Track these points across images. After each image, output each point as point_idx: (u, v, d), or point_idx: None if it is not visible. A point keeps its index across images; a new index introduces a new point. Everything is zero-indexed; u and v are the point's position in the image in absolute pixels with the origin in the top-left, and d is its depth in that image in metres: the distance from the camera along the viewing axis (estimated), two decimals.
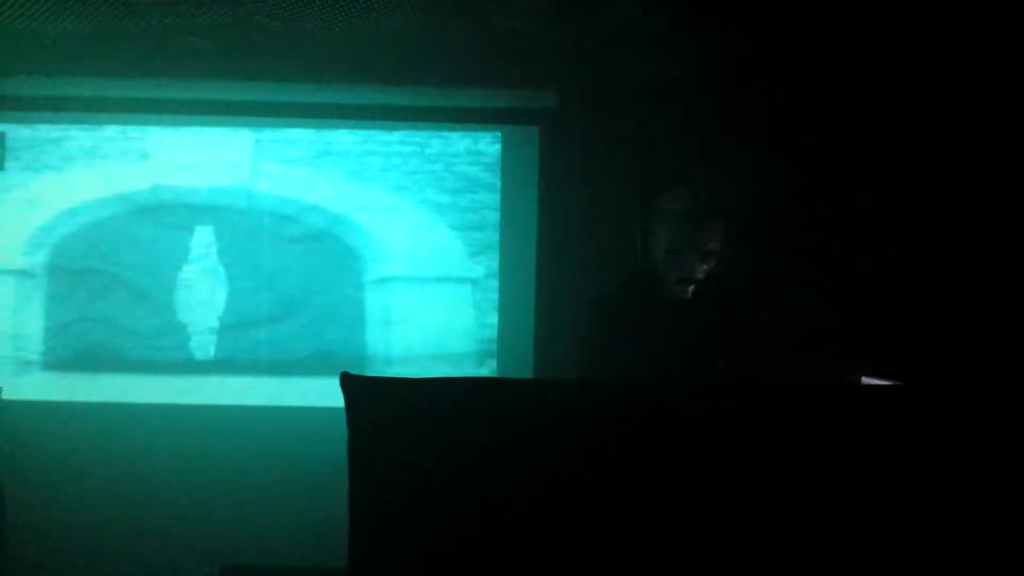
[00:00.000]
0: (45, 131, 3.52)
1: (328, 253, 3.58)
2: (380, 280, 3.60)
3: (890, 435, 1.49)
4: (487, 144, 3.58)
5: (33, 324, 3.52)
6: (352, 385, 1.49)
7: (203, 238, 3.59)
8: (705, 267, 2.23)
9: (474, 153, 3.58)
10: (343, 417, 1.49)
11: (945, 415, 1.49)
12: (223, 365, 3.58)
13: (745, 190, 2.29)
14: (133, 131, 3.53)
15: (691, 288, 2.24)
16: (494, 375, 3.54)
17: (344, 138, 3.58)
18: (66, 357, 3.53)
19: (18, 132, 3.51)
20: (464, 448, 1.46)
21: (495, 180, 3.58)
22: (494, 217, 3.59)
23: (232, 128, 3.55)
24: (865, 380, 2.36)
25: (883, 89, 2.94)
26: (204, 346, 3.59)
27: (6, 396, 3.32)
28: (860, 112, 3.05)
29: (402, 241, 3.61)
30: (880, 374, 2.34)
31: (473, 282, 3.62)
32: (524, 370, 3.42)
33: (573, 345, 2.41)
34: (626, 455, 1.48)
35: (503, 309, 3.59)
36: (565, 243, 3.42)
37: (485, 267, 3.61)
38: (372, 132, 3.57)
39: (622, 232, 3.06)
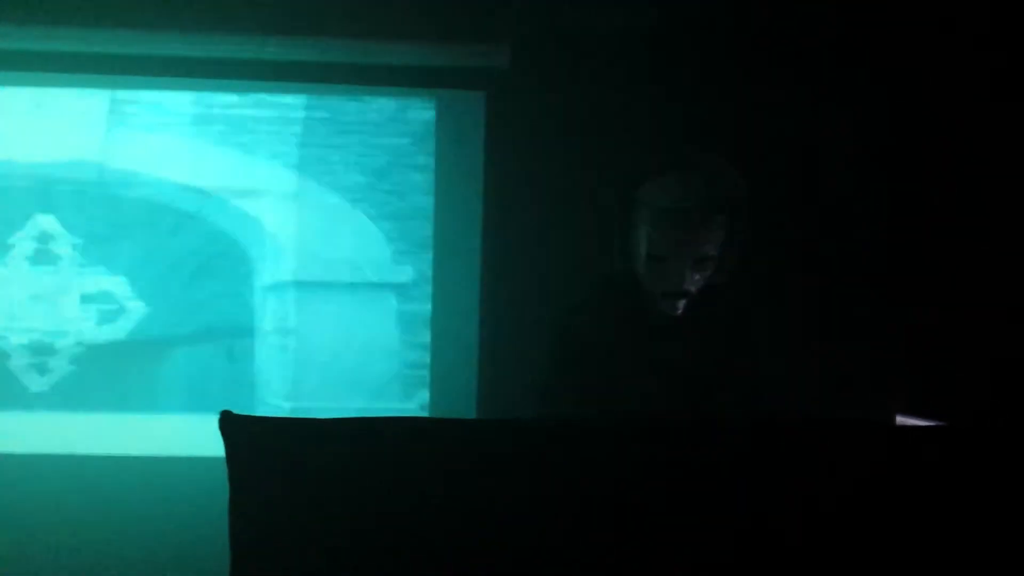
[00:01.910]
0: None
1: (206, 251, 3.57)
2: (273, 287, 3.60)
3: (928, 484, 1.58)
4: (418, 110, 3.59)
5: None
6: (234, 427, 1.54)
7: (38, 228, 3.55)
8: (698, 277, 2.27)
9: (401, 121, 3.60)
10: (223, 468, 1.53)
11: (992, 460, 1.57)
12: (60, 399, 3.55)
13: (751, 178, 2.32)
14: None
15: (681, 303, 2.27)
16: (426, 409, 3.55)
17: (229, 99, 3.57)
18: None
19: None
20: (374, 501, 1.52)
21: (428, 156, 3.59)
22: (427, 204, 3.60)
23: (81, 87, 3.53)
24: (900, 419, 2.43)
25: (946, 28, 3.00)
26: (27, 362, 3.55)
27: None
28: (914, 63, 3.09)
29: (305, 234, 3.63)
30: (917, 412, 2.41)
31: (399, 289, 3.63)
32: (465, 404, 3.43)
33: (529, 371, 2.43)
34: (594, 510, 1.54)
35: (438, 324, 3.60)
36: (518, 240, 3.44)
37: (415, 269, 3.63)
38: (263, 92, 3.57)
39: (591, 227, 3.09)
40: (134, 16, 3.24)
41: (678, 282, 2.24)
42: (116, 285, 3.57)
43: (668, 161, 2.30)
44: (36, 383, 3.56)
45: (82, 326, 3.57)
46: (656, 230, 2.24)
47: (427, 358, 3.61)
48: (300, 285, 3.63)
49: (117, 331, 3.58)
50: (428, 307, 3.61)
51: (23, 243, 3.55)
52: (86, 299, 3.57)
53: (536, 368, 2.39)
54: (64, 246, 3.55)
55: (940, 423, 1.94)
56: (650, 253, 2.25)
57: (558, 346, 2.34)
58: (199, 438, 3.38)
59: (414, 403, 3.59)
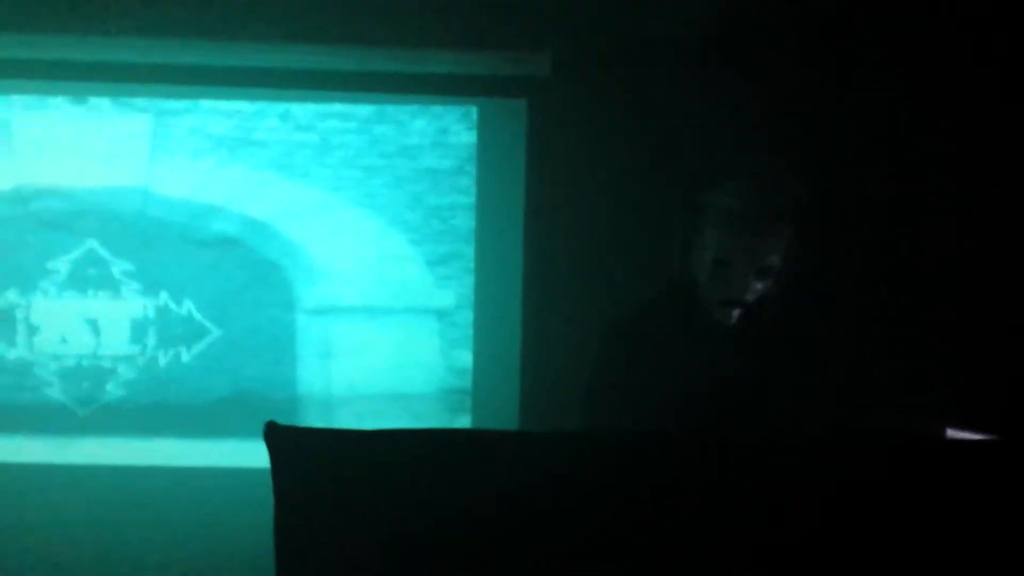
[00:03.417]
0: None
1: (248, 265, 3.62)
2: (314, 311, 3.63)
3: (981, 500, 1.58)
4: (458, 127, 3.62)
5: None
6: (279, 438, 1.57)
7: (83, 247, 3.61)
8: (759, 286, 2.28)
9: (440, 139, 3.63)
10: (268, 481, 1.57)
11: None
12: (106, 415, 3.60)
13: (816, 189, 2.33)
14: None
15: (736, 312, 2.28)
16: None
17: (269, 123, 3.62)
18: None
19: None
20: (423, 518, 1.54)
21: (468, 174, 3.62)
22: (468, 226, 3.64)
23: (125, 109, 3.58)
24: (951, 433, 2.42)
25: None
26: (81, 386, 3.61)
27: None
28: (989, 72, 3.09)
29: (346, 259, 3.66)
30: (970, 425, 2.40)
31: (440, 314, 3.66)
32: (507, 427, 3.42)
33: (575, 386, 2.44)
34: (645, 526, 1.56)
35: (479, 349, 3.62)
36: (562, 260, 3.46)
37: (456, 293, 3.66)
38: (303, 116, 3.62)
39: (635, 243, 3.09)
40: (171, 25, 3.32)
41: (740, 290, 2.26)
42: (160, 310, 3.61)
43: (738, 165, 2.30)
44: (83, 408, 3.62)
45: (126, 351, 3.62)
46: (724, 234, 2.25)
47: (468, 383, 3.64)
48: (341, 310, 3.65)
49: (160, 356, 3.62)
50: (470, 331, 3.63)
51: (68, 268, 3.60)
52: (130, 324, 3.62)
53: (585, 378, 2.40)
54: (109, 271, 3.60)
55: (993, 437, 1.93)
56: (716, 258, 2.27)
57: (608, 353, 2.35)
58: (243, 459, 3.45)
59: (456, 427, 3.59)
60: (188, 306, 3.61)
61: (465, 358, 3.64)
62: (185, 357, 3.61)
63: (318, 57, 3.44)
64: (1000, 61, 3.09)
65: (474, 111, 3.61)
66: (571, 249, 3.42)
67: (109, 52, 3.41)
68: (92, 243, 3.60)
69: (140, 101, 3.58)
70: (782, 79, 3.25)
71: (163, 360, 3.61)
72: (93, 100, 3.58)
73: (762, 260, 2.25)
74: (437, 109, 3.60)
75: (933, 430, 2.46)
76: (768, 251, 2.24)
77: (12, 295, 3.59)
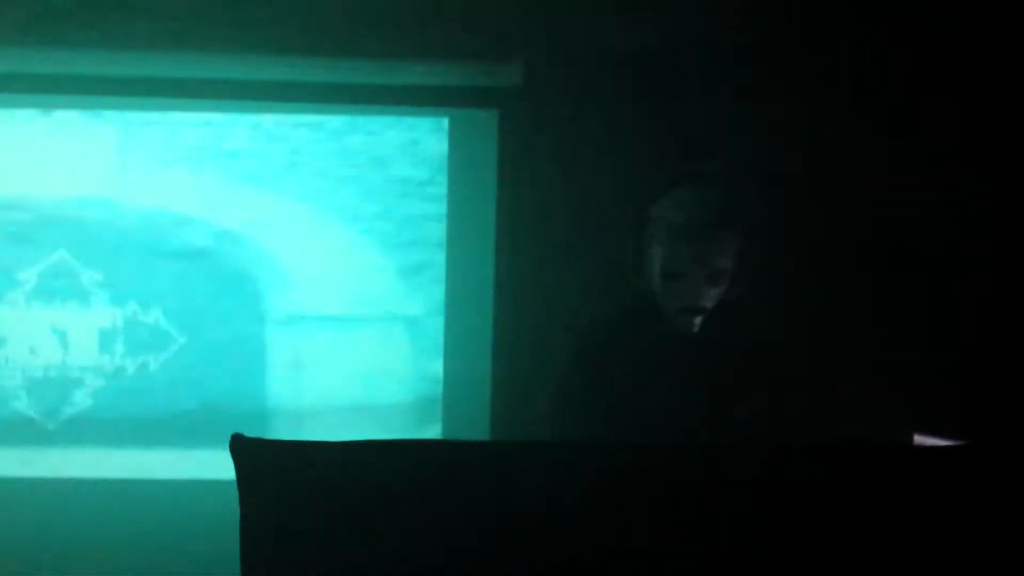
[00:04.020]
0: None
1: (216, 276, 3.61)
2: (284, 320, 3.63)
3: (949, 507, 1.59)
4: (429, 137, 3.63)
5: None
6: (245, 451, 1.57)
7: (51, 263, 3.60)
8: (714, 292, 2.29)
9: (411, 149, 3.64)
10: (234, 493, 1.55)
11: (1016, 482, 1.56)
12: (73, 426, 3.58)
13: (767, 191, 2.34)
14: None
15: (698, 320, 2.29)
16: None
17: (237, 131, 3.62)
18: None
19: None
20: (391, 529, 1.54)
21: (440, 184, 3.63)
22: (438, 232, 3.64)
23: (92, 119, 3.58)
24: (918, 439, 2.43)
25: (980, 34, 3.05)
26: (48, 397, 3.59)
27: None
28: (944, 79, 3.13)
29: (316, 267, 3.66)
30: (937, 431, 2.42)
31: (410, 321, 3.66)
32: (478, 436, 3.43)
33: (545, 398, 2.45)
34: (613, 536, 1.54)
35: (450, 357, 3.62)
36: (533, 269, 3.47)
37: (426, 300, 3.65)
38: (274, 126, 3.62)
39: (611, 251, 3.11)
40: (140, 38, 3.31)
41: (694, 298, 2.27)
42: (128, 320, 3.61)
43: (679, 175, 2.32)
44: (50, 420, 3.59)
45: (94, 360, 3.60)
46: (669, 247, 2.26)
47: (439, 391, 3.64)
48: (311, 320, 3.65)
49: (128, 365, 3.61)
50: (441, 340, 3.63)
51: (36, 279, 3.58)
52: (98, 334, 3.60)
53: (553, 389, 2.40)
54: (77, 281, 3.59)
55: (959, 443, 1.95)
56: (664, 270, 2.28)
57: (574, 361, 2.36)
58: (210, 470, 3.44)
59: (427, 436, 3.60)
60: (156, 315, 3.60)
61: (436, 366, 3.64)
62: (153, 366, 3.60)
63: (289, 69, 3.45)
64: (959, 65, 3.14)
65: (446, 121, 3.62)
66: (542, 258, 3.44)
67: (75, 65, 3.41)
68: (61, 253, 3.59)
69: (108, 111, 3.57)
70: (751, 91, 3.29)
71: (131, 368, 3.60)
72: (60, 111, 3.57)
73: (711, 266, 2.26)
74: (409, 119, 3.62)
75: (901, 435, 2.48)
76: (716, 256, 2.26)
77: None
